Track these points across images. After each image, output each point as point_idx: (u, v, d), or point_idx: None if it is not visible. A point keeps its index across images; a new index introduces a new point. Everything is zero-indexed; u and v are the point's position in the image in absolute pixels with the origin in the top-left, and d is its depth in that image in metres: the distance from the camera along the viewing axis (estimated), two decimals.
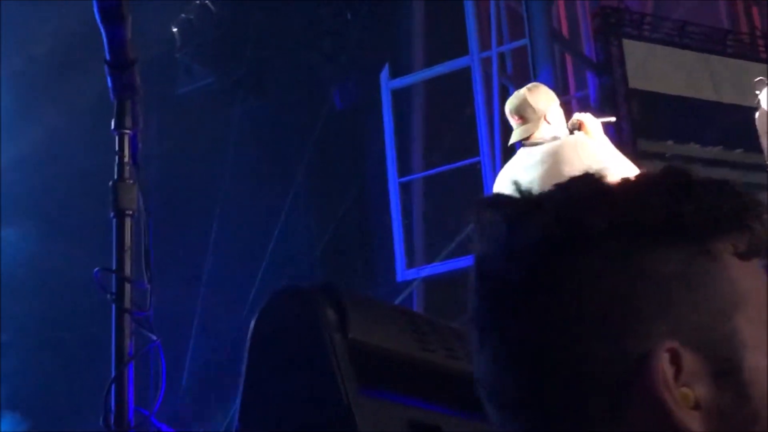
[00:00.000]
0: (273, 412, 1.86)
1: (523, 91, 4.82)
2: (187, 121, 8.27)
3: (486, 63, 7.66)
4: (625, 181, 0.90)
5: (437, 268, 7.85)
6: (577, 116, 4.82)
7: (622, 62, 7.48)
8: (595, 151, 4.60)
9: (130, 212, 2.22)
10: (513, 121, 4.80)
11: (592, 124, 4.75)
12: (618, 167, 4.53)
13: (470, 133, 7.65)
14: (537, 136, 4.70)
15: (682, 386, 0.82)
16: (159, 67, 7.57)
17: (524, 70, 7.39)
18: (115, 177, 2.23)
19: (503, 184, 4.78)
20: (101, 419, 2.13)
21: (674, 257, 0.85)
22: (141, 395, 2.19)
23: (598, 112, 7.34)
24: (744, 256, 0.88)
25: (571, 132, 4.75)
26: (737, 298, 0.86)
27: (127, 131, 2.22)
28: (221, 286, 8.10)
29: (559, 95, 7.24)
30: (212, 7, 8.21)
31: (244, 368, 1.91)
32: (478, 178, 7.55)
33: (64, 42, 7.52)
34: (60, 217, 7.93)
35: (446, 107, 8.33)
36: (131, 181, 2.24)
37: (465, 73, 7.92)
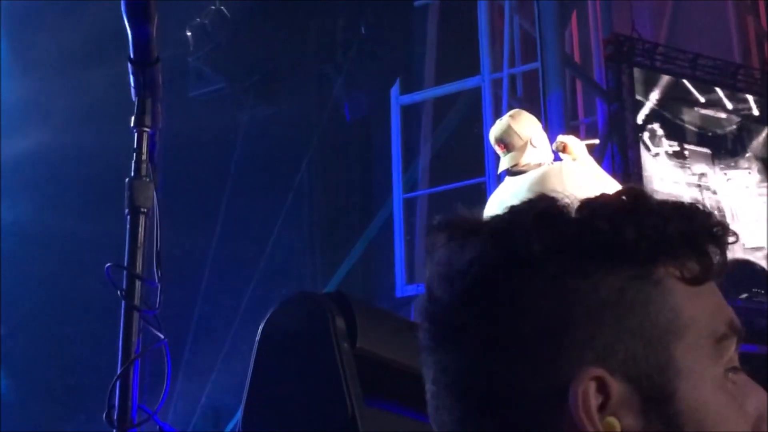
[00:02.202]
0: (277, 417, 1.87)
1: (506, 118, 4.82)
2: (196, 125, 8.28)
3: (496, 84, 7.69)
4: (574, 205, 0.88)
5: None
6: (561, 138, 4.81)
7: (632, 90, 7.50)
8: (580, 179, 4.58)
9: (145, 210, 2.23)
10: (498, 150, 4.79)
11: (577, 145, 4.74)
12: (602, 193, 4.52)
13: (477, 153, 7.67)
14: (523, 162, 4.68)
15: (609, 416, 0.80)
16: (171, 69, 7.60)
17: (534, 94, 7.41)
18: (132, 174, 2.24)
19: (492, 211, 4.76)
20: (104, 415, 2.13)
21: (610, 283, 0.83)
22: (143, 393, 2.20)
23: (605, 139, 7.38)
24: (692, 282, 0.85)
25: (555, 154, 4.75)
26: (678, 324, 0.83)
27: (147, 129, 2.23)
28: (218, 292, 8.11)
29: (567, 121, 7.31)
30: (227, 12, 8.24)
31: (250, 371, 1.91)
32: (482, 198, 7.56)
33: (87, 37, 7.55)
34: (71, 210, 7.94)
35: (454, 126, 8.35)
36: (148, 180, 2.25)
37: (475, 93, 7.94)
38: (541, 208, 0.87)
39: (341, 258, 8.38)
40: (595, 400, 0.80)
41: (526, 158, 4.69)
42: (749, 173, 7.70)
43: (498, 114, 7.47)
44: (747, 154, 7.74)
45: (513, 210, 0.89)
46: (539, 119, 7.12)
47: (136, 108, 2.25)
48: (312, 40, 8.38)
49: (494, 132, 4.81)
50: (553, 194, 0.89)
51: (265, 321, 1.90)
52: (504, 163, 4.77)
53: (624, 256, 0.84)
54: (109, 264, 2.19)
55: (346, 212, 8.82)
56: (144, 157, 2.24)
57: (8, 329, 7.89)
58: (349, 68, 8.22)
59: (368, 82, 8.40)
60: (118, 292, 2.17)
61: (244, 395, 1.87)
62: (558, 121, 7.10)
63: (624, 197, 0.87)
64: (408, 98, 8.47)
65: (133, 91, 2.26)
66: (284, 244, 8.32)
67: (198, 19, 8.22)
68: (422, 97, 8.52)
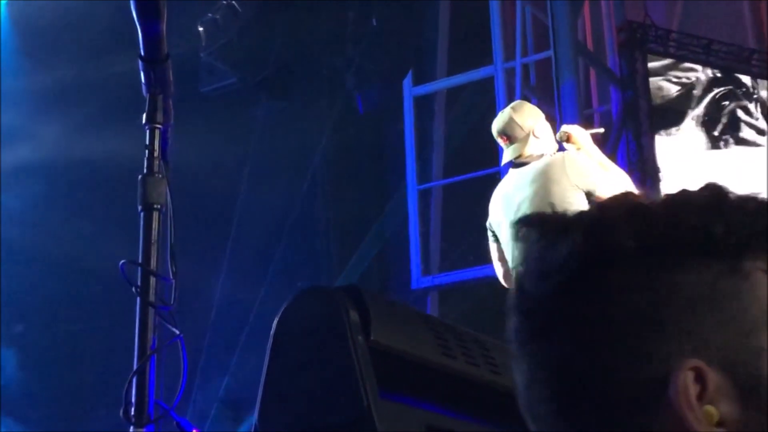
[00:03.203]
0: (292, 411, 1.87)
1: (507, 110, 4.81)
2: (209, 120, 8.30)
3: (509, 73, 7.66)
4: (660, 200, 0.91)
5: (452, 276, 7.85)
6: (565, 128, 4.79)
7: (645, 77, 7.47)
8: (583, 169, 4.56)
9: (158, 207, 2.23)
10: (501, 142, 4.77)
11: (581, 135, 4.72)
12: (607, 183, 4.51)
13: (491, 143, 7.65)
14: (526, 153, 4.67)
15: (707, 404, 0.83)
16: (183, 64, 7.61)
17: (547, 82, 7.39)
18: (145, 171, 2.25)
19: (496, 203, 4.76)
20: (121, 411, 2.14)
21: (702, 277, 0.86)
22: (160, 389, 2.20)
23: (619, 127, 7.35)
24: None
25: (560, 144, 4.73)
26: (767, 316, 0.86)
27: (158, 126, 2.24)
28: (235, 287, 8.13)
29: (581, 109, 7.28)
30: (238, 7, 8.24)
31: (265, 365, 1.92)
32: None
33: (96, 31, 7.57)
34: (83, 208, 7.97)
35: (468, 116, 8.33)
36: (160, 176, 2.25)
37: (488, 83, 7.92)
38: (631, 204, 0.90)
39: (356, 250, 8.39)
40: (693, 390, 0.83)
41: (529, 149, 4.67)
42: None
43: (511, 103, 7.46)
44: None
45: (603, 206, 0.92)
46: (552, 108, 7.14)
47: (147, 105, 2.26)
48: (323, 34, 8.37)
49: (496, 124, 4.79)
50: (634, 192, 0.93)
51: (278, 315, 1.90)
52: (507, 155, 4.75)
53: (714, 251, 0.86)
54: (123, 261, 2.20)
55: (360, 205, 8.81)
56: (156, 153, 2.25)
57: (26, 326, 7.93)
58: (361, 61, 8.21)
59: (380, 75, 8.40)
60: (133, 289, 2.18)
61: (260, 390, 1.87)
62: (572, 110, 7.08)
63: (707, 193, 0.89)
64: (421, 89, 8.46)
65: (144, 88, 2.27)
66: (299, 237, 8.34)
67: (209, 15, 8.23)
68: (435, 88, 8.51)
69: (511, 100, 7.47)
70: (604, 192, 4.53)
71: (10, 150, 8.07)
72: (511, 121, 4.72)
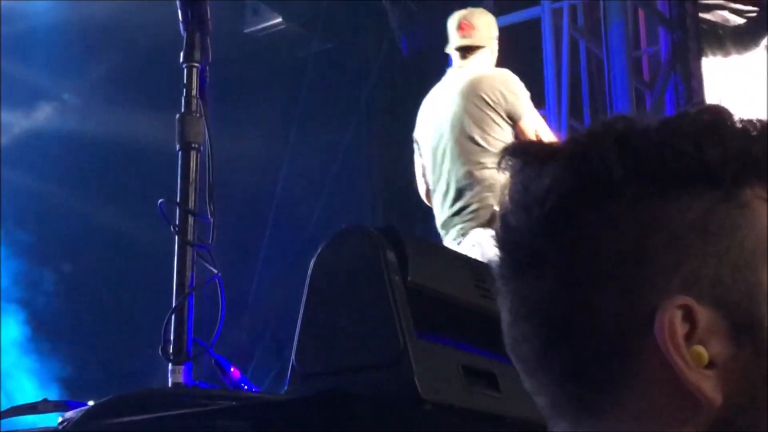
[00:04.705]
0: (329, 350, 1.87)
1: (480, 9, 4.81)
2: (253, 61, 8.28)
3: (557, 14, 7.54)
4: (651, 125, 0.83)
5: None
6: None
7: (695, 19, 7.32)
8: (516, 89, 4.59)
9: (196, 146, 2.23)
10: (460, 31, 4.72)
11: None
12: (535, 113, 4.56)
13: (537, 86, 7.57)
14: (477, 48, 4.64)
15: (697, 344, 0.77)
16: (226, 5, 7.58)
17: (595, 24, 7.27)
18: (183, 109, 2.24)
19: (424, 117, 4.78)
20: (160, 349, 2.16)
21: (695, 206, 0.80)
22: (201, 329, 2.22)
23: (668, 70, 7.22)
24: None
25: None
26: (766, 247, 0.80)
27: (196, 64, 2.23)
28: (283, 229, 8.16)
29: (629, 51, 7.16)
30: None
31: (302, 304, 1.92)
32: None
33: None
34: (122, 145, 8.03)
35: (514, 58, 8.22)
36: (198, 115, 2.25)
37: (535, 25, 7.81)
38: (620, 130, 0.83)
39: (401, 193, 8.36)
40: (681, 330, 0.78)
41: (481, 52, 4.64)
42: None
43: (559, 46, 7.36)
44: None
45: (590, 132, 0.85)
46: (600, 50, 7.03)
47: (185, 43, 2.25)
48: None
49: (467, 12, 4.77)
50: (630, 115, 0.85)
51: (316, 255, 1.90)
52: (464, 41, 4.70)
53: (709, 179, 0.80)
54: (161, 200, 2.21)
55: (406, 147, 8.77)
56: (194, 92, 2.24)
57: (72, 267, 8.05)
58: (406, 2, 8.13)
59: (425, 16, 8.31)
60: (171, 228, 2.18)
61: (297, 329, 1.88)
62: (620, 51, 6.97)
63: (706, 117, 0.83)
64: None
65: (181, 26, 2.26)
66: (345, 179, 8.34)
67: None
68: None
69: (558, 41, 7.37)
70: (529, 123, 4.53)
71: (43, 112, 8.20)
72: (487, 17, 4.74)
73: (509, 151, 0.89)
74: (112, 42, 8.03)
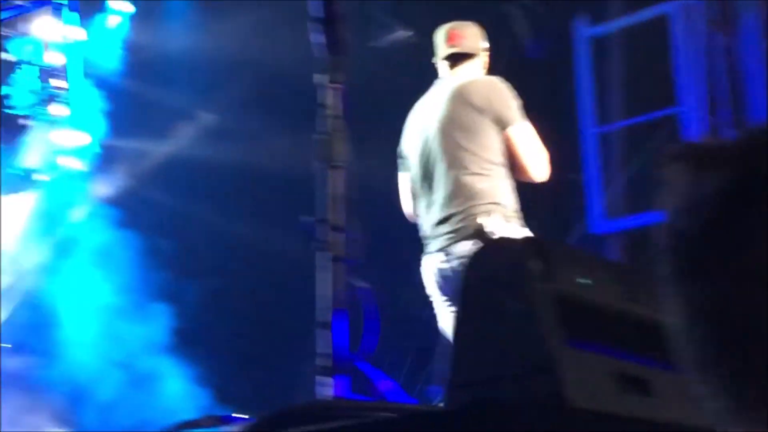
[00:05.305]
0: (481, 360, 1.90)
1: (469, 22, 4.71)
2: (382, 74, 8.35)
3: (689, 9, 7.39)
4: None
5: (635, 220, 7.65)
6: None
7: None
8: (506, 98, 4.50)
9: (340, 165, 2.28)
10: (448, 42, 4.64)
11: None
12: (524, 121, 4.48)
13: (668, 83, 7.43)
14: (471, 69, 4.57)
15: None
16: (353, 19, 7.67)
17: (728, 17, 7.11)
18: (327, 130, 2.29)
19: (411, 131, 4.66)
20: (316, 360, 2.21)
21: None
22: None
23: None
24: None
25: None
26: None
27: (339, 86, 2.28)
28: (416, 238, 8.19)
29: (761, 42, 6.95)
30: None
31: (455, 319, 1.96)
32: (675, 130, 7.35)
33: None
34: (256, 165, 8.20)
35: (645, 56, 8.09)
36: (339, 134, 2.30)
37: (666, 21, 7.67)
38: None
39: (529, 194, 8.31)
40: None
41: (474, 61, 4.59)
42: None
43: (692, 40, 7.21)
44: None
45: (749, 134, 0.86)
46: (731, 43, 6.86)
47: (328, 65, 2.30)
48: None
49: (457, 24, 4.69)
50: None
51: (465, 269, 1.93)
52: (453, 49, 4.61)
53: None
54: (312, 218, 2.26)
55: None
56: (334, 112, 2.29)
57: (214, 280, 8.26)
58: (533, 6, 8.09)
59: (551, 18, 8.26)
60: (316, 244, 2.23)
61: (452, 340, 1.91)
62: (754, 44, 6.80)
63: None
64: (596, 30, 8.26)
65: (315, 48, 2.31)
66: None
67: None
68: (611, 29, 8.28)
69: (691, 36, 7.23)
70: (518, 130, 4.42)
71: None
72: (477, 30, 4.67)
73: (672, 155, 0.89)
74: (242, 66, 8.24)
